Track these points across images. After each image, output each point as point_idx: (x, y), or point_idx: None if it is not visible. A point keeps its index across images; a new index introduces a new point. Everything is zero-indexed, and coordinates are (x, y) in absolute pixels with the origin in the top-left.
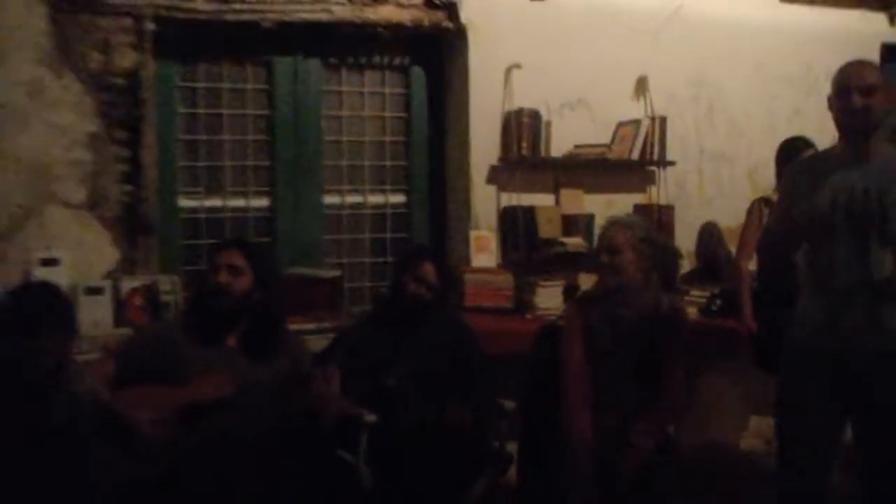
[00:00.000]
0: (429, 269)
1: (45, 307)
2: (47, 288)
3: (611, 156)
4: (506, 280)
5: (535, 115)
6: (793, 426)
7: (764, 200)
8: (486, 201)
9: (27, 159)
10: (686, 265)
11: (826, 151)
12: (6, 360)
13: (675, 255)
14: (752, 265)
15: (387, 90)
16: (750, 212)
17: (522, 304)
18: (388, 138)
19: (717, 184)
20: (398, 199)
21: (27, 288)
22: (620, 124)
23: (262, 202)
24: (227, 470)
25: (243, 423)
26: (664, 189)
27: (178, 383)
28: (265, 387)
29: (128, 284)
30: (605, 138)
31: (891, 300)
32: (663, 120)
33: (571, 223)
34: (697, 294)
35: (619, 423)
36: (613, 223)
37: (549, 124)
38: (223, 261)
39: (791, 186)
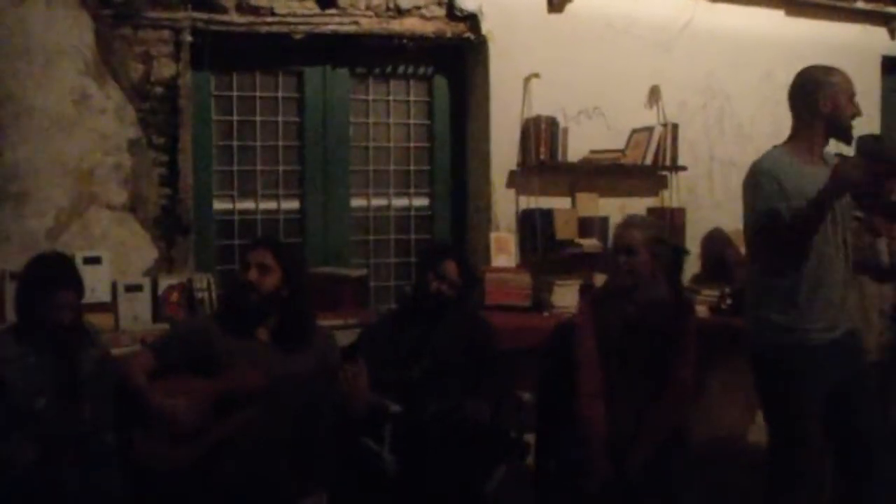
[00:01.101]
0: (451, 267)
1: (59, 268)
2: (58, 255)
3: (625, 161)
4: (524, 279)
5: (552, 122)
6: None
7: None
8: (505, 204)
9: (72, 164)
10: (697, 266)
11: (783, 152)
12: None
13: (681, 253)
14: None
15: (411, 98)
16: None
17: (540, 302)
18: (412, 144)
19: (726, 188)
20: (422, 202)
21: (42, 256)
22: (634, 131)
23: (293, 205)
24: (259, 459)
25: (275, 414)
26: (676, 193)
27: (213, 375)
28: (296, 379)
29: (165, 282)
30: (619, 144)
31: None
32: (675, 127)
33: (587, 225)
34: (708, 293)
35: (631, 414)
36: (629, 224)
37: (566, 131)
38: (253, 259)
39: (773, 184)
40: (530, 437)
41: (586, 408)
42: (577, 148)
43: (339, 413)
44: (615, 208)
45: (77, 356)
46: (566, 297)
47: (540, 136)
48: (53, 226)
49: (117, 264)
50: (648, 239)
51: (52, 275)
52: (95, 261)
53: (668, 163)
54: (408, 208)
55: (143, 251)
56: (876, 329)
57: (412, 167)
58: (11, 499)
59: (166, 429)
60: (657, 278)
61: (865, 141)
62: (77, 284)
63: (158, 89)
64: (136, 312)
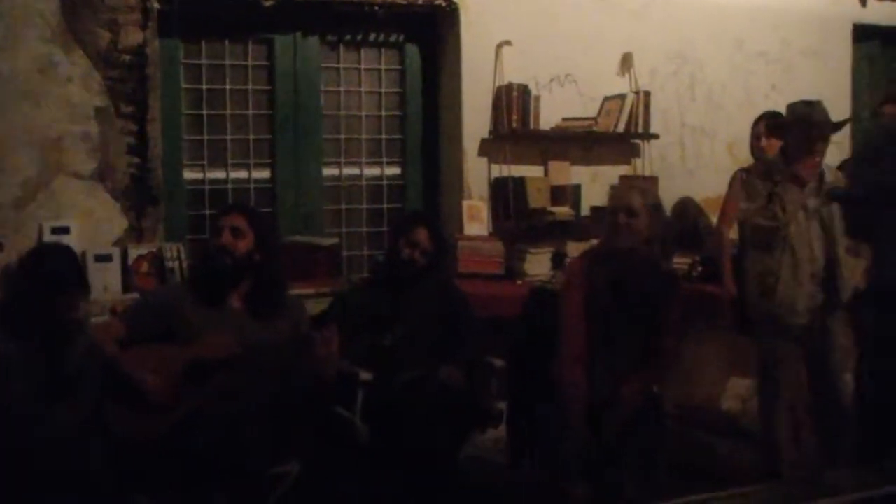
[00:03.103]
0: (422, 234)
1: (63, 266)
2: (63, 249)
3: (597, 129)
4: (497, 248)
5: (524, 90)
6: None
7: (744, 171)
8: (478, 172)
9: (39, 133)
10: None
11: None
12: (29, 314)
13: (672, 224)
14: (732, 233)
15: (383, 66)
16: (731, 182)
17: (513, 270)
18: (383, 113)
19: (698, 156)
20: (394, 170)
21: (45, 249)
22: (606, 98)
23: (264, 174)
24: (231, 427)
25: (247, 381)
26: (648, 161)
27: (184, 344)
28: (268, 346)
29: (135, 252)
30: (591, 112)
31: None
32: (647, 94)
33: (559, 193)
34: (679, 261)
35: (611, 378)
36: (631, 186)
37: (537, 99)
38: (226, 223)
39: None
40: (503, 406)
41: (568, 371)
42: (549, 116)
43: (310, 381)
44: (587, 176)
45: (64, 351)
46: (539, 265)
47: (512, 103)
48: (21, 195)
49: (86, 234)
50: (648, 203)
51: (62, 275)
52: (64, 231)
53: (640, 130)
54: (380, 177)
55: (112, 221)
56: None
57: (384, 136)
58: None
59: (137, 398)
60: (654, 245)
61: (797, 106)
62: (83, 285)
63: (126, 57)
64: (106, 283)
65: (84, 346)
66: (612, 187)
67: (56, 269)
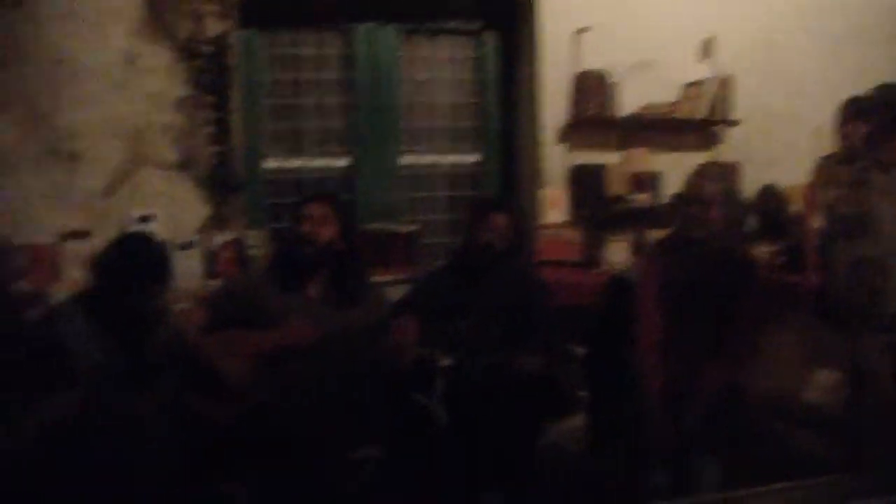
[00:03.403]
0: (501, 220)
1: (147, 255)
2: (146, 238)
3: (678, 115)
4: (575, 236)
5: (603, 76)
6: None
7: (829, 158)
8: (556, 160)
9: (123, 123)
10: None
11: None
12: (113, 302)
13: (746, 209)
14: (817, 221)
15: (461, 54)
16: (816, 169)
17: (591, 258)
18: (461, 100)
19: (782, 142)
20: (472, 158)
21: (129, 238)
22: (687, 84)
23: (343, 162)
24: (310, 414)
25: (326, 368)
26: (730, 148)
27: (264, 330)
28: (346, 333)
29: (217, 239)
30: (672, 98)
31: None
32: (729, 80)
33: (639, 181)
34: (762, 250)
35: (689, 368)
36: (704, 175)
37: (617, 85)
38: (310, 212)
39: None
40: (583, 394)
41: (645, 360)
42: (628, 102)
43: (389, 368)
44: (668, 164)
45: (146, 339)
46: (618, 253)
47: (591, 90)
48: (107, 185)
49: (169, 222)
50: (722, 191)
51: (146, 264)
52: (148, 219)
53: (722, 117)
54: (458, 165)
55: (195, 209)
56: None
57: (461, 123)
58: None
59: (218, 384)
60: (727, 232)
61: (881, 89)
62: (168, 275)
63: (207, 47)
64: (188, 270)
65: (166, 334)
66: (690, 175)
67: (139, 257)
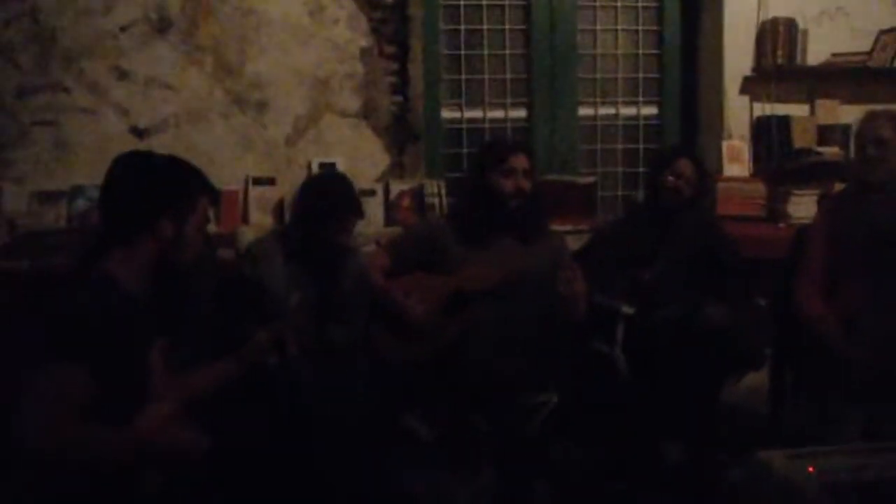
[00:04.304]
0: (687, 165)
1: (341, 191)
2: (340, 176)
3: (871, 64)
4: (758, 189)
5: (791, 24)
6: None
7: None
8: (739, 111)
9: (308, 73)
10: None
11: None
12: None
13: None
14: None
15: (640, 3)
16: None
17: (775, 212)
18: (640, 51)
19: None
20: (650, 110)
21: (325, 175)
22: (882, 32)
23: (520, 113)
24: (496, 354)
25: (511, 309)
26: None
27: (447, 274)
28: (531, 275)
29: (397, 188)
30: (864, 47)
31: None
32: None
33: (827, 133)
34: None
35: (875, 316)
36: (879, 115)
37: (805, 33)
38: (518, 165)
39: None
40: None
41: (804, 307)
42: (817, 51)
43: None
44: (859, 115)
45: (338, 273)
46: (804, 207)
47: (777, 39)
48: (291, 133)
49: (351, 170)
50: None
51: (346, 202)
52: (331, 166)
53: None
54: (636, 117)
55: (375, 157)
56: None
57: (641, 75)
58: (256, 392)
59: (403, 325)
60: None
61: None
62: (361, 209)
63: None
64: (369, 216)
65: (355, 270)
66: (861, 119)
67: (334, 192)
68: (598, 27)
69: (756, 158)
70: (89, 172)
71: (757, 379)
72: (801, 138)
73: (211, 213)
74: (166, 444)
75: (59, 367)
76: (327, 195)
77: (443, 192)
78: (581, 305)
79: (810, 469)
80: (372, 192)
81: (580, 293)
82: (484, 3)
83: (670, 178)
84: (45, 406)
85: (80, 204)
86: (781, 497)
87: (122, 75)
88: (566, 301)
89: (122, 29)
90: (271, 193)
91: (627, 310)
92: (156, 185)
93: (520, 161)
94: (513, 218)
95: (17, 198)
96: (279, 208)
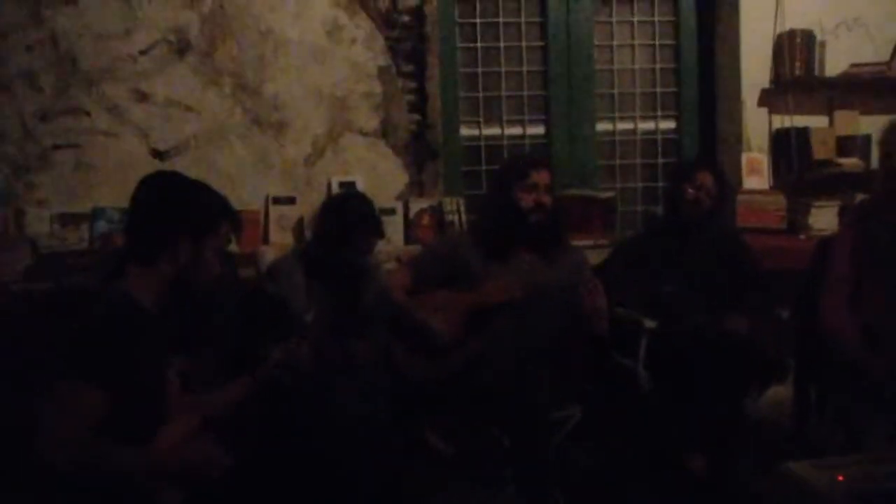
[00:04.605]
0: (707, 177)
1: (362, 209)
2: (360, 195)
3: (890, 74)
4: (778, 201)
5: (808, 35)
6: None
7: None
8: (757, 124)
9: (326, 92)
10: None
11: None
12: (330, 252)
13: None
14: None
15: (656, 18)
16: None
17: (796, 224)
18: (658, 66)
19: None
20: (669, 124)
21: (346, 194)
22: None
23: (538, 130)
24: (516, 370)
25: (530, 325)
26: None
27: (468, 290)
28: (550, 290)
29: (416, 205)
30: (883, 57)
31: None
32: None
33: (847, 144)
34: None
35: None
36: None
37: (823, 45)
38: (541, 180)
39: None
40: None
41: (831, 319)
42: (835, 62)
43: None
44: (878, 126)
45: (359, 291)
46: (824, 218)
47: (795, 50)
48: (311, 152)
49: (370, 188)
50: None
51: (364, 220)
52: (350, 185)
53: None
54: (654, 131)
55: (394, 175)
56: None
57: (658, 89)
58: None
59: (424, 342)
60: None
61: None
62: (382, 229)
63: (405, 17)
64: (389, 234)
65: (375, 286)
66: (883, 130)
67: (354, 212)
68: (615, 42)
69: (776, 171)
70: (110, 194)
71: (781, 393)
72: (821, 150)
73: (232, 236)
74: (187, 461)
75: (76, 382)
76: (347, 215)
77: (462, 209)
78: (603, 320)
79: (840, 478)
80: (392, 211)
81: (601, 308)
82: (500, 20)
83: (690, 190)
84: (62, 421)
85: (102, 225)
86: None
87: (142, 98)
88: (588, 316)
89: (142, 52)
90: (291, 212)
91: (650, 324)
92: (177, 206)
93: (542, 176)
94: (533, 232)
95: (39, 220)
96: (299, 227)
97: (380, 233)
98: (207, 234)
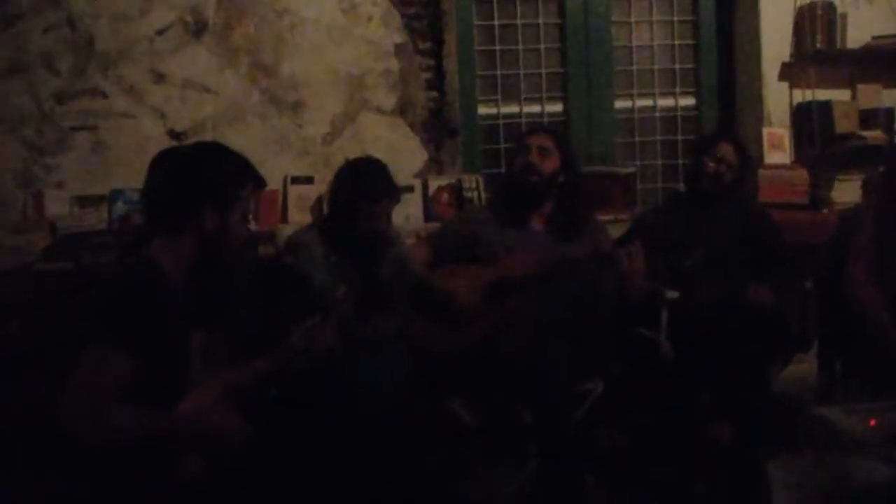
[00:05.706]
0: (728, 149)
1: (376, 176)
2: (375, 161)
3: None
4: (801, 176)
5: (829, 7)
6: None
7: None
8: (778, 98)
9: (343, 71)
10: None
11: None
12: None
13: None
14: None
15: None
16: None
17: (818, 199)
18: (676, 42)
19: None
20: (688, 101)
21: (360, 161)
22: None
23: (556, 108)
24: (537, 343)
25: (551, 299)
26: None
27: (487, 264)
28: (570, 265)
29: (435, 183)
30: None
31: None
32: None
33: (869, 117)
34: None
35: None
36: None
37: (844, 16)
38: (533, 142)
39: None
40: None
41: (860, 291)
42: (857, 34)
43: (614, 300)
44: None
45: (378, 261)
46: (847, 192)
47: (816, 23)
48: (329, 131)
49: (389, 167)
50: None
51: (379, 184)
52: None
53: None
54: (673, 108)
55: (413, 154)
56: None
57: (677, 65)
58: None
59: (445, 315)
60: None
61: None
62: (396, 192)
63: None
64: (408, 212)
65: (394, 258)
66: None
67: (367, 174)
68: (633, 19)
69: (797, 145)
70: (128, 176)
71: (804, 369)
72: (843, 123)
73: (252, 206)
74: (209, 428)
75: (101, 349)
76: (359, 178)
77: (480, 186)
78: (640, 283)
79: (872, 422)
80: (410, 189)
81: (639, 270)
82: None
83: (710, 163)
84: (86, 387)
85: (120, 207)
86: (841, 451)
87: (159, 79)
88: (626, 278)
89: (158, 33)
90: (310, 192)
91: (672, 294)
92: (200, 175)
93: (535, 139)
94: (534, 194)
95: (58, 202)
96: (318, 207)
97: (394, 195)
98: (233, 201)
